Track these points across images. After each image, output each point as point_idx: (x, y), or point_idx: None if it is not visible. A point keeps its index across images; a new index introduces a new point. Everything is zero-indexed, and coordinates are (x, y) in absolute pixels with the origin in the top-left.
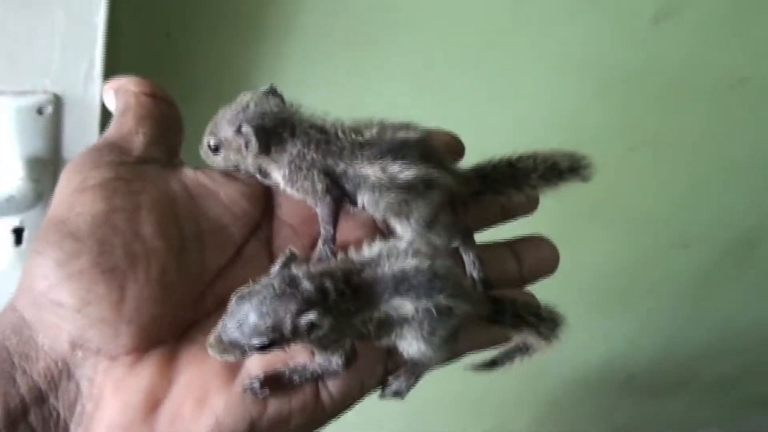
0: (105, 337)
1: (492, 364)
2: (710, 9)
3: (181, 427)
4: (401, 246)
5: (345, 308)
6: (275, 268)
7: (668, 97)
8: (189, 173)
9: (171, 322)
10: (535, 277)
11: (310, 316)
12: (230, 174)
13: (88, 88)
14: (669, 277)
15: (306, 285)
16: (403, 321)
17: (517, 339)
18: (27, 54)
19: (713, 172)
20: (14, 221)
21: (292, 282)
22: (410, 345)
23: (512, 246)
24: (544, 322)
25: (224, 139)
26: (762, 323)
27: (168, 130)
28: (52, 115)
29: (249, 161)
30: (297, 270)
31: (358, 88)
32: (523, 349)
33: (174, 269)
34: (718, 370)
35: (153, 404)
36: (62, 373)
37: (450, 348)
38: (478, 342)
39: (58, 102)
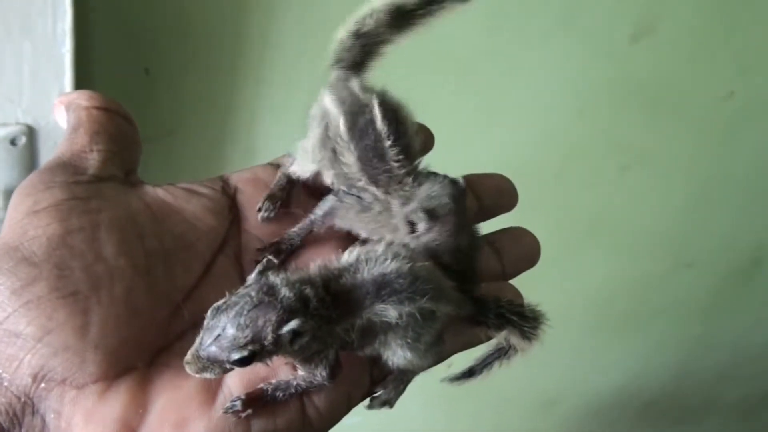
0: (70, 365)
1: (469, 373)
2: (685, 26)
3: None
4: (379, 250)
5: (327, 316)
6: (252, 277)
7: (656, 114)
8: (149, 190)
9: (141, 346)
10: (517, 270)
11: (292, 325)
12: (193, 189)
13: None
14: (676, 297)
15: (285, 293)
16: (387, 328)
17: (500, 338)
18: None
19: (710, 187)
20: None
21: (270, 290)
22: (395, 354)
23: (491, 240)
24: (527, 321)
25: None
26: None
27: (124, 147)
28: (26, 146)
29: None
30: (275, 278)
31: None
32: (502, 354)
33: (140, 289)
34: (740, 394)
35: None
36: (25, 408)
37: (436, 352)
38: (462, 343)
39: (31, 133)
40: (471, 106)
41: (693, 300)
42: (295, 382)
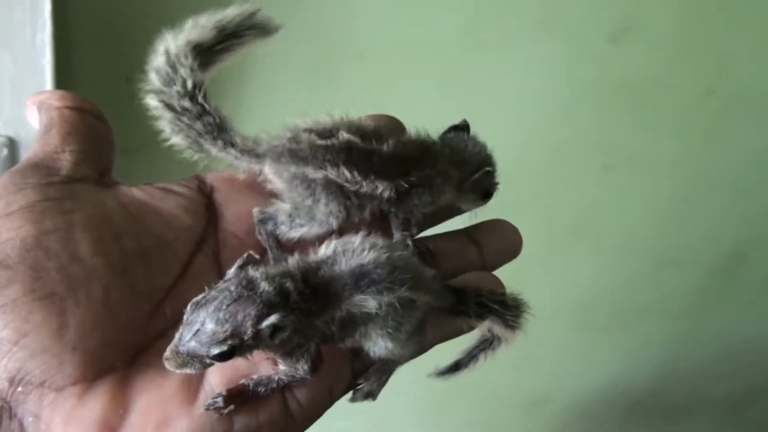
0: (48, 368)
1: (456, 367)
2: (662, 26)
3: None
4: (356, 241)
5: (306, 309)
6: (231, 271)
7: (638, 114)
8: (124, 190)
9: (120, 347)
10: (498, 263)
11: (272, 319)
12: (169, 189)
13: None
14: (661, 295)
15: (265, 287)
16: (367, 319)
17: (482, 329)
18: None
19: (693, 185)
20: None
21: (250, 284)
22: (376, 344)
23: (471, 233)
24: (509, 310)
25: None
26: (762, 339)
27: (98, 147)
28: (7, 158)
29: None
30: (254, 272)
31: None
32: (487, 346)
33: (118, 289)
34: (726, 390)
35: None
36: (2, 413)
37: (417, 341)
38: (444, 333)
39: (12, 145)
40: (452, 108)
41: (679, 297)
42: (276, 377)
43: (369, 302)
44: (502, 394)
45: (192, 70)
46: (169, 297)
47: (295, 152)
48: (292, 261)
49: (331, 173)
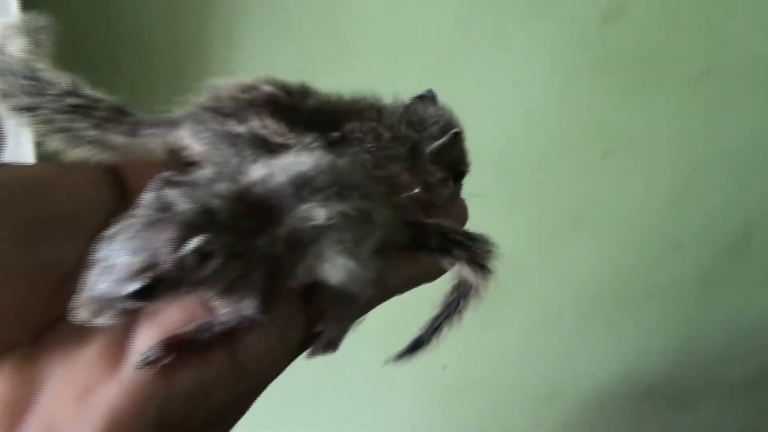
0: None
1: (417, 344)
2: (654, 4)
3: (67, 429)
4: (292, 153)
5: (241, 227)
6: (145, 196)
7: (633, 96)
8: (21, 165)
9: (23, 321)
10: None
11: (196, 242)
12: (73, 164)
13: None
14: (668, 279)
15: (185, 206)
16: (319, 234)
17: (450, 271)
18: None
19: (695, 166)
20: None
21: (167, 207)
22: (334, 264)
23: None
24: (475, 242)
25: None
26: None
27: None
28: None
29: None
30: (172, 192)
31: None
32: (452, 311)
33: (18, 257)
34: (740, 371)
35: (15, 417)
36: None
37: (380, 266)
38: (407, 274)
39: None
40: (445, 97)
41: (686, 281)
42: (220, 320)
43: (315, 212)
44: (512, 389)
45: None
46: (77, 273)
47: (216, 109)
48: (221, 185)
49: (256, 125)
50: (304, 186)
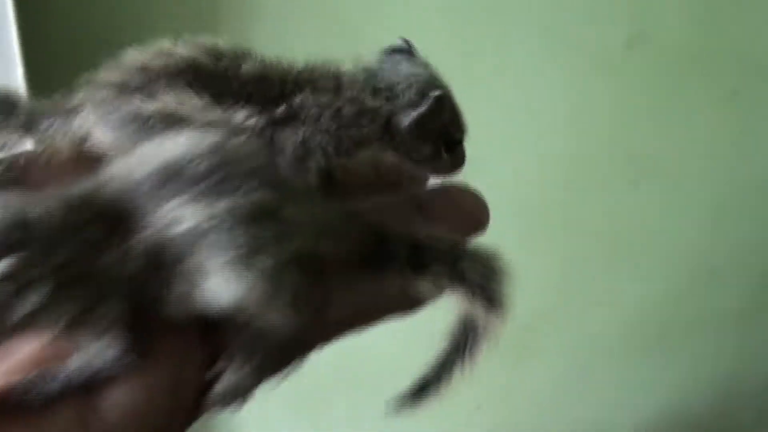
0: None
1: (423, 386)
2: (676, 28)
3: None
4: (170, 135)
5: (80, 241)
6: None
7: (660, 122)
8: None
9: None
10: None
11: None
12: None
13: None
14: (705, 310)
15: None
16: (193, 241)
17: (430, 293)
18: None
19: (728, 191)
20: None
21: None
22: (220, 281)
23: (420, 204)
24: (471, 259)
25: None
26: None
27: None
28: None
29: None
30: None
31: None
32: (460, 346)
33: None
34: None
35: None
36: None
37: (298, 284)
38: (363, 299)
39: None
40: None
41: (728, 308)
42: (70, 367)
43: (183, 210)
44: (554, 429)
45: None
46: None
47: (120, 86)
48: (53, 190)
49: (169, 102)
50: (171, 178)
